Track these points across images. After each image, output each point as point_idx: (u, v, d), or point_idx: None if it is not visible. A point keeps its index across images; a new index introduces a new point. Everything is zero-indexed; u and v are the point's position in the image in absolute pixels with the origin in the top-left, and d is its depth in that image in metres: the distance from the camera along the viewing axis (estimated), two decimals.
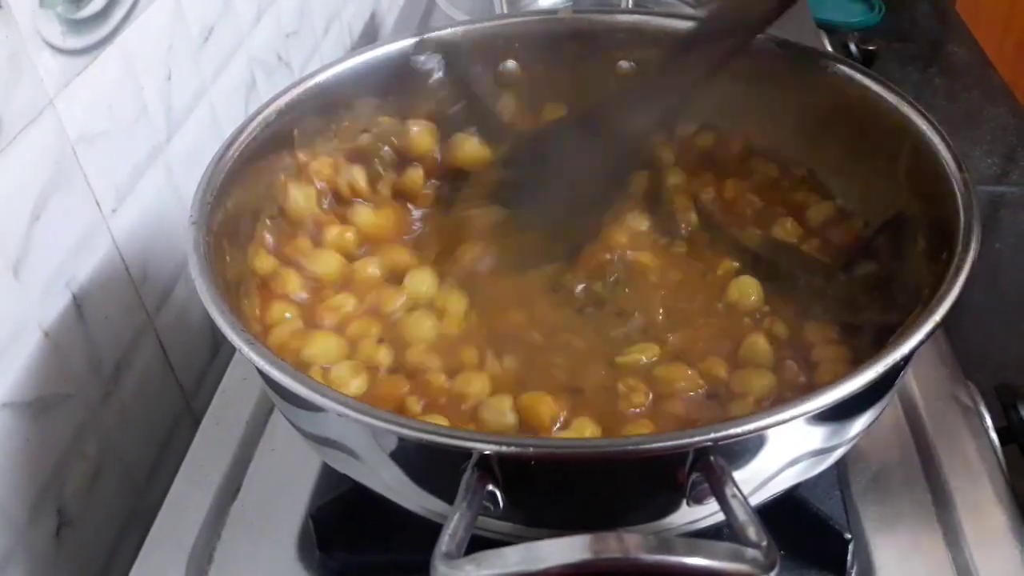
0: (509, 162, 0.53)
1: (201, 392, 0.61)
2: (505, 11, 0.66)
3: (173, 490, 0.48)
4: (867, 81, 0.47)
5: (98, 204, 0.50)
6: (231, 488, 0.48)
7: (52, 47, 0.45)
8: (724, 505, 0.29)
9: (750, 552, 0.27)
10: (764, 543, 0.27)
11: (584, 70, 0.54)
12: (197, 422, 0.53)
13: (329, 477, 0.48)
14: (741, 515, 0.28)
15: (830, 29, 0.90)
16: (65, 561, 0.47)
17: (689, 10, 0.80)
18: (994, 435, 0.49)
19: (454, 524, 0.28)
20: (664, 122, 0.53)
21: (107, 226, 0.51)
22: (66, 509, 0.47)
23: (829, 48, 0.84)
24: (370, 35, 0.95)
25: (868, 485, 0.46)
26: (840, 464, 0.46)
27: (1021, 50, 1.42)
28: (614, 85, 0.54)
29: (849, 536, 0.42)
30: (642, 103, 0.50)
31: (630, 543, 0.27)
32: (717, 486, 0.29)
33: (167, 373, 0.58)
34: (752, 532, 0.27)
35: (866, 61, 0.83)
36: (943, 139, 0.43)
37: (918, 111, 0.45)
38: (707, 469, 0.30)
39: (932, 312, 0.34)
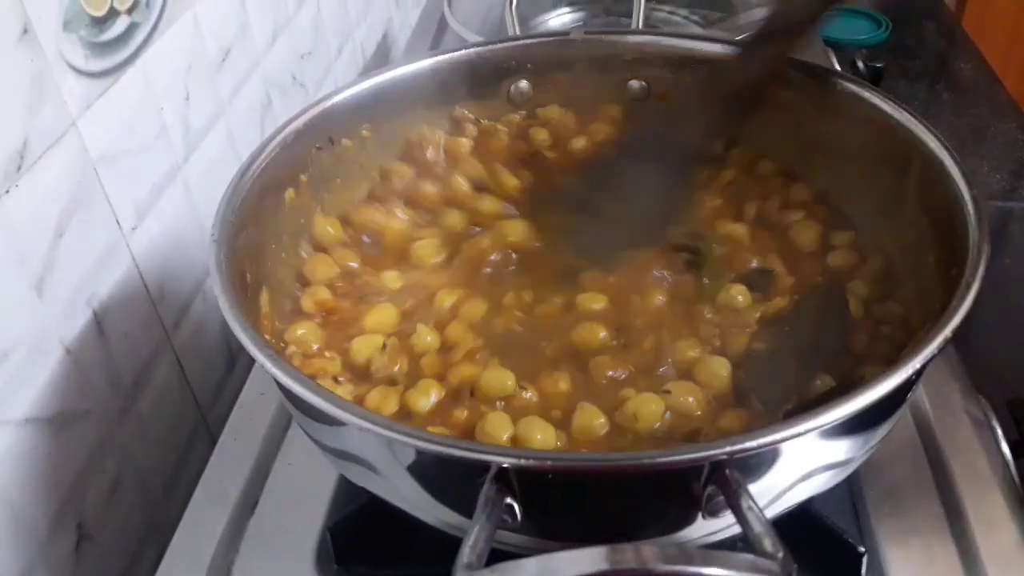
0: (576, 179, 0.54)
1: (217, 407, 0.61)
2: (517, 32, 0.67)
3: (191, 505, 0.49)
4: (876, 99, 0.48)
5: (118, 222, 0.50)
6: (249, 503, 0.48)
7: (75, 70, 0.46)
8: (740, 517, 0.29)
9: (767, 563, 0.27)
10: (780, 554, 0.27)
11: (595, 90, 0.55)
12: (213, 437, 0.53)
13: (347, 491, 0.48)
14: (757, 527, 0.28)
15: (837, 47, 0.91)
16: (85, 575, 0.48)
17: (698, 30, 0.81)
18: (1006, 449, 0.49)
19: (475, 536, 0.29)
20: (726, 136, 0.54)
21: (127, 244, 0.51)
22: (85, 523, 0.48)
23: (837, 66, 0.84)
24: (382, 55, 0.96)
25: (881, 499, 0.46)
26: (853, 477, 0.46)
27: None
28: (627, 104, 0.55)
29: (863, 549, 0.42)
30: (706, 115, 0.51)
31: (647, 554, 0.27)
32: (733, 499, 0.30)
33: (184, 388, 0.58)
34: (768, 543, 0.28)
35: (874, 78, 0.83)
36: (951, 156, 0.43)
37: (927, 128, 0.45)
38: (722, 482, 0.31)
39: (943, 326, 0.34)
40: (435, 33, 0.94)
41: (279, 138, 0.47)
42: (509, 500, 0.31)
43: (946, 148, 0.44)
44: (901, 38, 1.00)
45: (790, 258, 0.49)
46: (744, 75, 0.50)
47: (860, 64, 0.84)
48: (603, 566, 0.27)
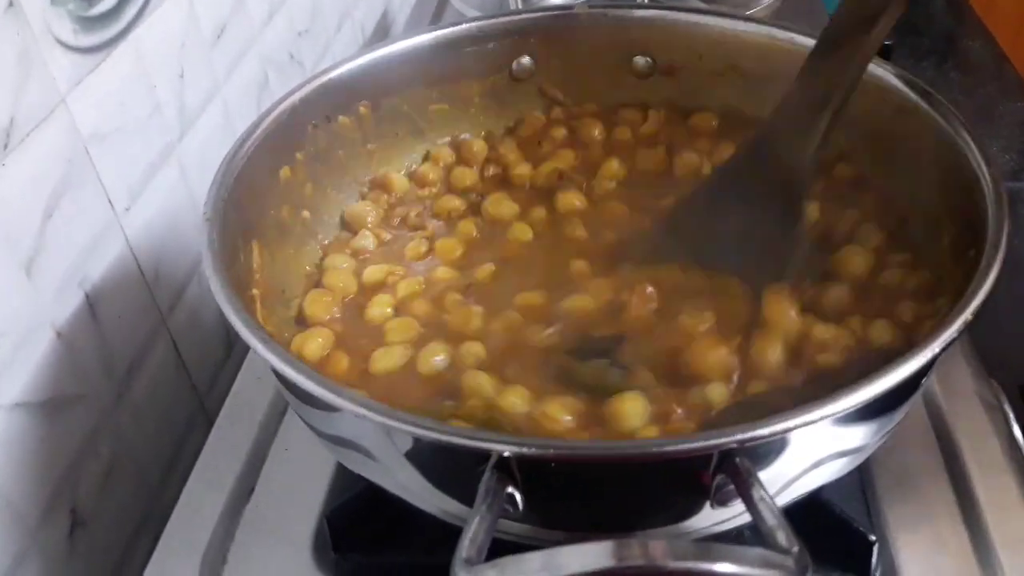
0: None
1: (214, 392, 0.61)
2: (520, 7, 0.65)
3: (186, 491, 0.48)
4: (891, 77, 0.47)
5: (111, 203, 0.49)
6: (245, 489, 0.48)
7: (64, 45, 0.45)
8: (752, 508, 0.28)
9: (781, 558, 0.26)
10: (795, 548, 0.26)
11: (600, 66, 0.53)
12: (210, 422, 0.52)
13: (344, 477, 0.47)
14: (770, 519, 0.27)
15: None
16: (78, 562, 0.47)
17: (701, 4, 0.80)
18: (1019, 433, 0.48)
19: (474, 528, 0.28)
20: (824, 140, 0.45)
21: (120, 225, 0.50)
22: (79, 510, 0.47)
23: None
24: (382, 33, 0.95)
25: (892, 486, 0.45)
26: (863, 465, 0.45)
27: None
28: (631, 81, 0.53)
29: (874, 538, 0.41)
30: (799, 123, 0.44)
31: (655, 550, 0.26)
32: (744, 489, 0.29)
33: (180, 373, 0.57)
34: (782, 537, 0.27)
35: (883, 55, 0.81)
36: (969, 134, 0.42)
37: (944, 107, 0.44)
38: (732, 471, 0.29)
39: (963, 308, 0.33)
40: (435, 11, 0.92)
41: (274, 114, 0.46)
42: (511, 489, 0.30)
43: (964, 127, 0.42)
44: (909, 16, 0.98)
45: None
46: (834, 79, 0.44)
47: None
48: (609, 562, 0.26)
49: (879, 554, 0.41)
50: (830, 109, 0.43)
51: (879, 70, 0.47)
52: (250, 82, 0.65)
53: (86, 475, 0.48)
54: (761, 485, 0.29)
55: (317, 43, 0.78)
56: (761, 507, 0.28)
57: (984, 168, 0.40)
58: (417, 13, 0.97)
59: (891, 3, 0.42)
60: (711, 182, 0.49)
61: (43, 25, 0.43)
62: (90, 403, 0.48)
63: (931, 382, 0.50)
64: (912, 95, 0.46)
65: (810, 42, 0.48)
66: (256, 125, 0.45)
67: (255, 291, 0.43)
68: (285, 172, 0.48)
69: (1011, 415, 0.49)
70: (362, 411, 0.31)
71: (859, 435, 0.36)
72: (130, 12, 0.50)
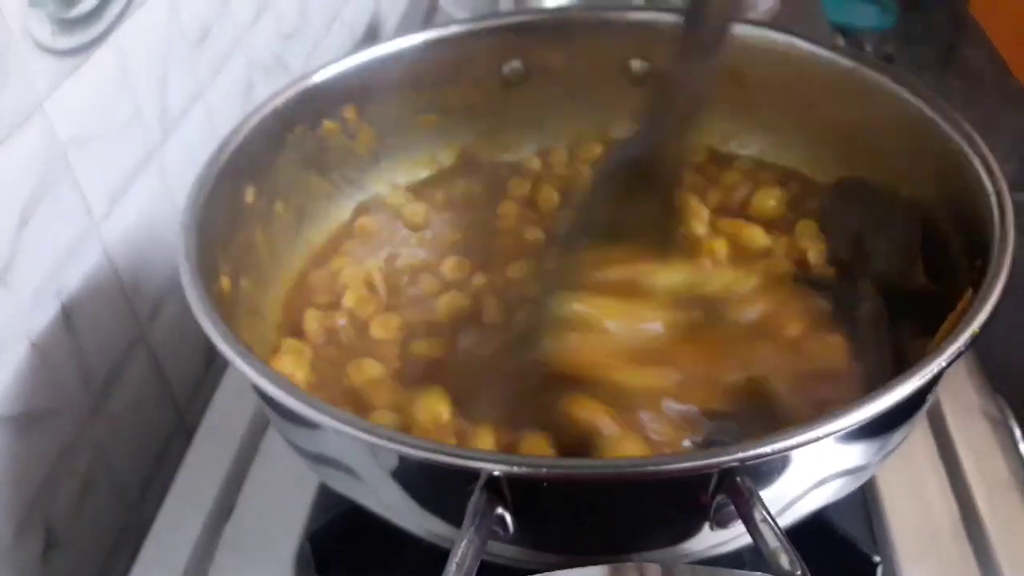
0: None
1: (195, 406, 0.59)
2: (512, 8, 0.64)
3: (164, 509, 0.46)
4: (891, 82, 0.45)
5: (89, 209, 0.48)
6: (225, 507, 0.46)
7: (42, 47, 0.43)
8: (753, 531, 0.27)
9: None
10: (799, 573, 0.25)
11: (594, 69, 0.52)
12: (191, 436, 0.51)
13: (327, 496, 0.46)
14: (772, 542, 0.26)
15: (846, 32, 0.89)
16: None
17: None
18: None
19: (461, 552, 0.26)
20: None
21: (98, 232, 0.49)
22: (54, 529, 0.46)
23: None
24: (372, 36, 0.94)
25: (895, 504, 0.44)
26: (865, 482, 0.44)
27: None
28: (626, 85, 0.52)
29: (878, 559, 0.40)
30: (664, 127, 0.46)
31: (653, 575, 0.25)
32: (745, 510, 0.27)
33: (160, 386, 0.56)
34: (785, 561, 0.25)
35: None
36: (972, 144, 0.41)
37: (947, 113, 0.43)
38: (733, 491, 0.28)
39: (969, 322, 0.32)
40: (426, 13, 0.91)
41: (257, 117, 0.44)
42: (500, 510, 0.29)
43: (967, 136, 0.41)
44: (908, 24, 0.98)
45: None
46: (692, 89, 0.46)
47: (869, 50, 0.82)
48: None
49: (883, 575, 0.40)
50: (691, 116, 0.46)
51: (879, 74, 0.46)
52: (235, 86, 0.64)
53: (61, 492, 0.46)
54: (763, 505, 0.28)
55: (305, 46, 0.76)
56: (763, 528, 0.27)
57: (987, 176, 0.39)
58: (408, 16, 0.96)
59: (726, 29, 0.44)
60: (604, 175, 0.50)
61: (21, 26, 0.42)
62: (66, 417, 0.46)
63: (935, 397, 0.49)
64: (915, 101, 0.44)
65: (810, 46, 0.47)
66: (239, 127, 0.43)
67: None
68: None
69: (1016, 431, 0.48)
70: (344, 428, 0.30)
71: (864, 452, 0.34)
72: (111, 14, 0.49)
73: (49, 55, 0.44)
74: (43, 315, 0.45)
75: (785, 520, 0.34)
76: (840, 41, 0.84)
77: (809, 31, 0.50)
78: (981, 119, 0.43)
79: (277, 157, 0.47)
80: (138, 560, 0.44)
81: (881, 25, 0.94)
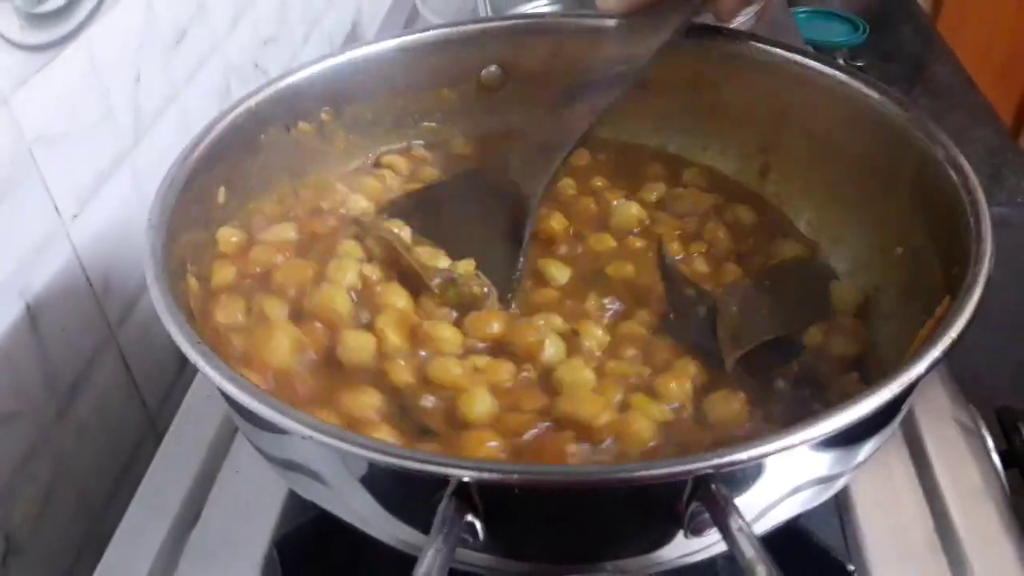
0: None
1: (166, 411, 0.58)
2: (489, 14, 0.64)
3: (128, 516, 0.45)
4: (869, 90, 0.46)
5: (57, 209, 0.47)
6: (191, 513, 0.45)
7: (9, 42, 0.43)
8: (729, 539, 0.26)
9: None
10: None
11: (571, 75, 0.52)
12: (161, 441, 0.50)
13: (296, 503, 0.45)
14: (749, 551, 0.25)
15: (818, 48, 0.89)
16: None
17: None
18: (997, 459, 0.47)
19: (428, 560, 0.26)
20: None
21: (67, 233, 0.48)
22: (14, 536, 0.44)
23: None
24: (352, 43, 0.93)
25: (869, 512, 0.44)
26: (840, 491, 0.44)
27: (1003, 71, 1.42)
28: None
29: (852, 567, 0.39)
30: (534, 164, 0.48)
31: None
32: (720, 517, 0.27)
33: (130, 390, 0.55)
34: (762, 571, 0.25)
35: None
36: (948, 154, 0.41)
37: (923, 121, 0.43)
38: (708, 499, 0.28)
39: (946, 330, 0.32)
40: (406, 21, 0.91)
41: (231, 116, 0.43)
42: (470, 517, 0.28)
43: (943, 145, 0.41)
44: (878, 41, 0.98)
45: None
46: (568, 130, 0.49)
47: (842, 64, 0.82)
48: None
49: None
50: (561, 155, 0.48)
51: (857, 82, 0.46)
52: (211, 89, 0.63)
53: (22, 499, 0.45)
54: (739, 514, 0.27)
55: (283, 52, 0.76)
56: (739, 537, 0.26)
57: (962, 186, 0.39)
58: (387, 23, 0.95)
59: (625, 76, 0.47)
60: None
61: None
62: (28, 421, 0.45)
63: (909, 407, 0.49)
64: (887, 106, 0.44)
65: (793, 56, 0.47)
66: (210, 128, 0.43)
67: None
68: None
69: (989, 440, 0.48)
70: (311, 433, 0.29)
71: (839, 461, 0.34)
72: (83, 10, 0.48)
73: (16, 49, 0.43)
74: (6, 316, 0.44)
75: (759, 528, 0.34)
76: None
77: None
78: (949, 134, 0.43)
79: (250, 158, 0.46)
80: (99, 568, 0.43)
81: (851, 42, 0.94)
